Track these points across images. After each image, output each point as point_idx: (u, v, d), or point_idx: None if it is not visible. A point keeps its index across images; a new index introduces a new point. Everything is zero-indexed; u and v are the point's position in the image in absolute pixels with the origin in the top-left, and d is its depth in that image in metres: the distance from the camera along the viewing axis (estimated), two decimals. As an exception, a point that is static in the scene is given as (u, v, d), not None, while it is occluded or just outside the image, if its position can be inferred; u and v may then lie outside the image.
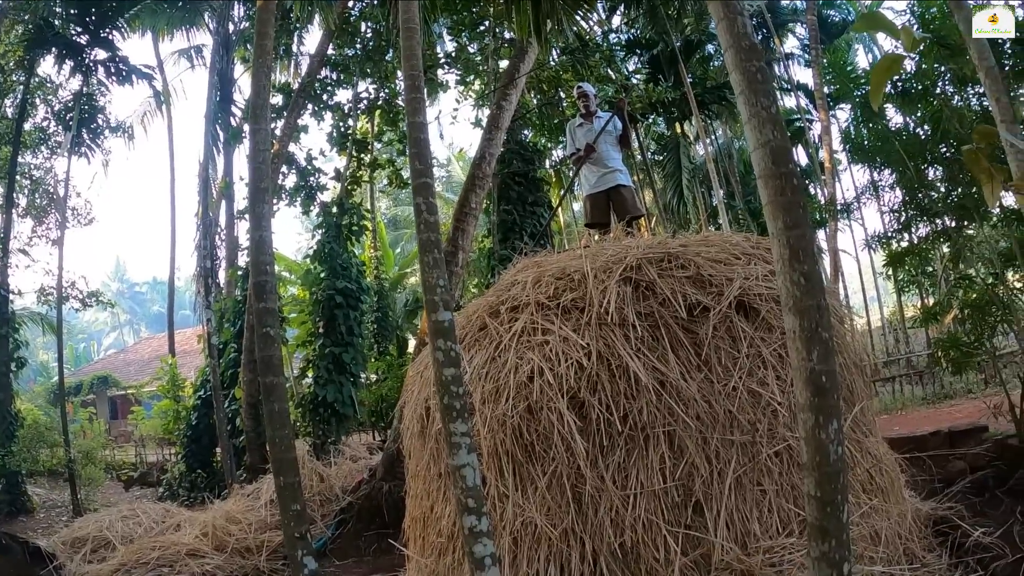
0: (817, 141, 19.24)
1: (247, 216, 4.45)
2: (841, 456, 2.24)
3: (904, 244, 7.90)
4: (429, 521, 4.71)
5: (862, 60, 22.26)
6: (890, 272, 9.21)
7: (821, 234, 18.03)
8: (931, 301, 11.42)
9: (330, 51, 13.28)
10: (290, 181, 13.42)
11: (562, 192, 16.44)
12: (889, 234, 7.92)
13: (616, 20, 18.03)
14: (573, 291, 4.25)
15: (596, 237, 6.93)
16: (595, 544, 3.71)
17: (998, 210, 6.27)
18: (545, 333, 4.10)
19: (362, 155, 13.85)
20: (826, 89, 15.89)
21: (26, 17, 14.47)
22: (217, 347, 13.59)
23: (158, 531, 8.60)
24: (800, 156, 21.86)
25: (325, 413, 11.82)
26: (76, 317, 46.36)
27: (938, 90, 7.17)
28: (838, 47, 17.49)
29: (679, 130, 19.66)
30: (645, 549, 3.63)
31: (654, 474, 3.71)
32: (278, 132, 12.77)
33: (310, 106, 13.38)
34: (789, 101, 21.61)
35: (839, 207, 15.20)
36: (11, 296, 14.20)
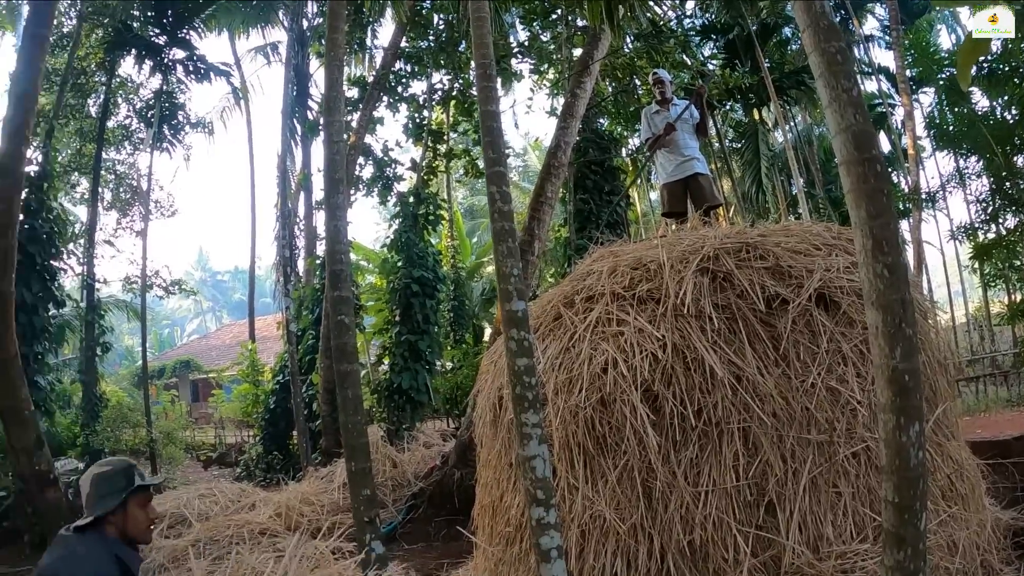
0: (900, 127, 18.47)
1: (324, 206, 4.56)
2: (922, 460, 2.18)
3: (992, 236, 7.49)
4: (498, 510, 4.71)
5: (945, 41, 21.22)
6: (976, 265, 8.77)
7: (904, 224, 17.39)
8: (1019, 297, 10.86)
9: (403, 44, 13.41)
10: (367, 172, 13.67)
11: (637, 179, 16.20)
12: (976, 225, 7.48)
13: (690, 4, 17.69)
14: (649, 281, 4.18)
15: (673, 226, 6.81)
16: (663, 541, 3.65)
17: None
18: (620, 324, 4.04)
19: (437, 145, 13.98)
20: (908, 72, 15.20)
21: (106, 20, 15.11)
22: (295, 334, 13.94)
23: (233, 510, 8.82)
24: (883, 143, 21.07)
25: (400, 400, 12.04)
26: (160, 304, 48.19)
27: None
28: (920, 28, 16.69)
29: (757, 117, 19.14)
30: (714, 548, 3.56)
31: (727, 471, 3.63)
32: (354, 124, 12.99)
33: (385, 98, 13.55)
34: (870, 85, 20.83)
35: (924, 196, 14.54)
36: (97, 285, 14.86)
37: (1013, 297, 12.44)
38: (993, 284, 12.08)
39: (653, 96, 7.25)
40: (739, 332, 3.84)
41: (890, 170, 19.77)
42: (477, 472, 5.26)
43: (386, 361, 12.91)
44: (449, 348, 17.22)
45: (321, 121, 14.96)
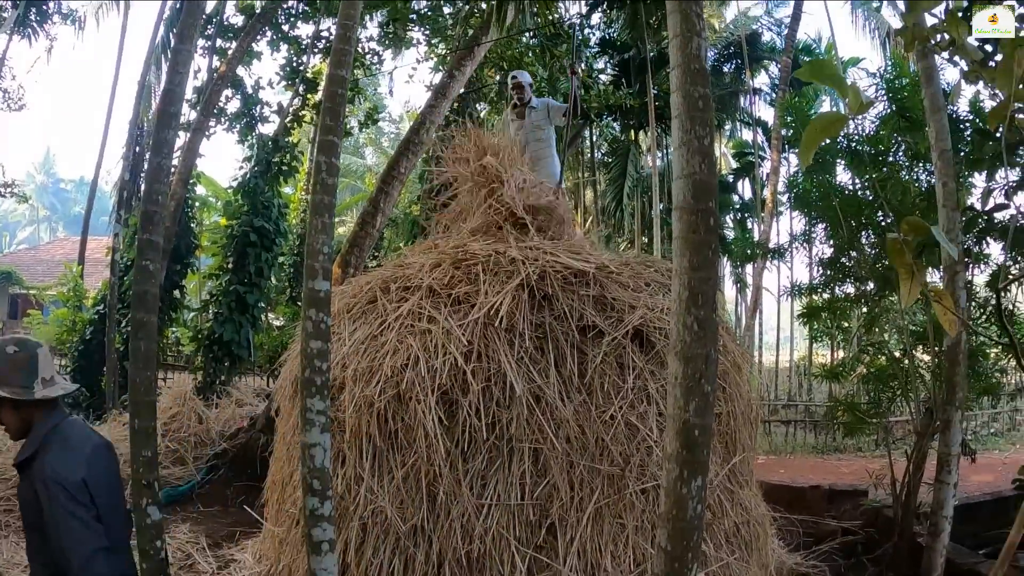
0: (764, 179, 19.46)
1: (152, 141, 4.18)
2: (699, 514, 2.18)
3: (826, 296, 7.86)
4: (287, 488, 4.51)
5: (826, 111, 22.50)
6: (803, 321, 9.24)
7: (749, 269, 18.35)
8: (841, 354, 11.59)
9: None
10: (232, 106, 12.92)
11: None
12: (813, 285, 7.84)
13: (595, 18, 17.82)
14: (469, 284, 4.06)
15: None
16: (443, 547, 3.58)
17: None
18: (430, 321, 3.91)
19: (309, 95, 13.35)
20: (783, 131, 16.04)
21: None
22: (123, 264, 12.88)
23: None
24: (746, 190, 22.18)
25: (219, 351, 11.42)
26: (-6, 206, 44.07)
27: (890, 159, 7.03)
28: (806, 94, 17.65)
29: (633, 137, 19.62)
30: (491, 562, 3.52)
31: (513, 488, 3.58)
32: (230, 52, 12.28)
33: (269, 33, 12.85)
34: (747, 135, 21.89)
35: (771, 249, 15.35)
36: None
37: (835, 354, 13.23)
38: (819, 339, 12.89)
39: (511, 101, 6.88)
40: (548, 354, 3.79)
41: (747, 216, 20.85)
42: (275, 443, 5.02)
43: (212, 309, 12.21)
44: (284, 305, 16.59)
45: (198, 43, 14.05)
